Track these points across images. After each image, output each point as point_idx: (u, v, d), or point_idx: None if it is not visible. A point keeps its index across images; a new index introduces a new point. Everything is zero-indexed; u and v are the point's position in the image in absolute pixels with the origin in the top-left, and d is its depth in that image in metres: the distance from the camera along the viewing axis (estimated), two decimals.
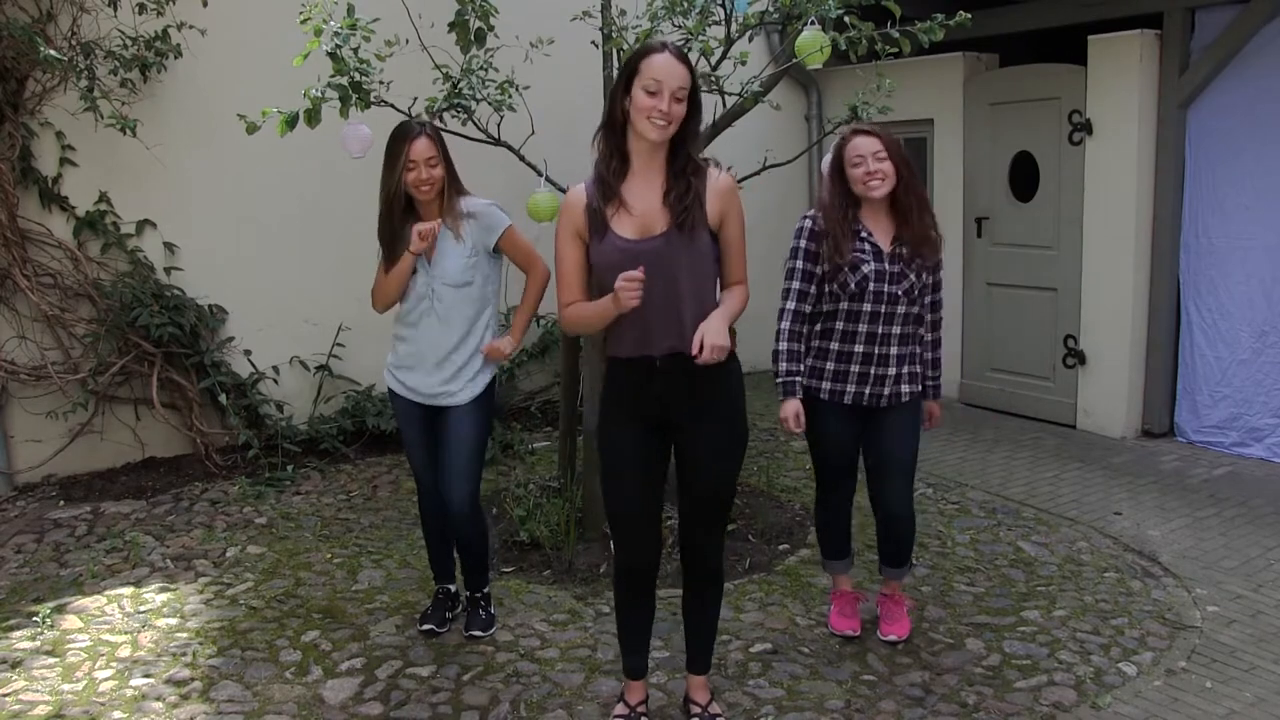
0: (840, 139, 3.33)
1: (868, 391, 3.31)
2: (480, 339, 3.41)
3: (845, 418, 3.36)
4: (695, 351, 2.59)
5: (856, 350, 3.29)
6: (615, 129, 2.68)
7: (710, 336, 2.59)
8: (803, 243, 3.31)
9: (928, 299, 3.39)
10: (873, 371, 3.30)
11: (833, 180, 3.33)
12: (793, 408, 3.34)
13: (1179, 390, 5.73)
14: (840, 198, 3.30)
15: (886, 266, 3.24)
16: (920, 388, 3.41)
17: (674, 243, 2.65)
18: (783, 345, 3.34)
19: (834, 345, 3.32)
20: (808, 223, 3.33)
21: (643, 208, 2.67)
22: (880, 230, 3.29)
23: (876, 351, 3.29)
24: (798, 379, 3.35)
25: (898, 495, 3.43)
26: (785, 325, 3.34)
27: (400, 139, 3.28)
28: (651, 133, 2.60)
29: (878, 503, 3.47)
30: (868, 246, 3.26)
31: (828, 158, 3.40)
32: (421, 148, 3.26)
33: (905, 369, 3.34)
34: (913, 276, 3.26)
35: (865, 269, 3.23)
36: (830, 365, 3.33)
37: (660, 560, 2.95)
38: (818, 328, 3.36)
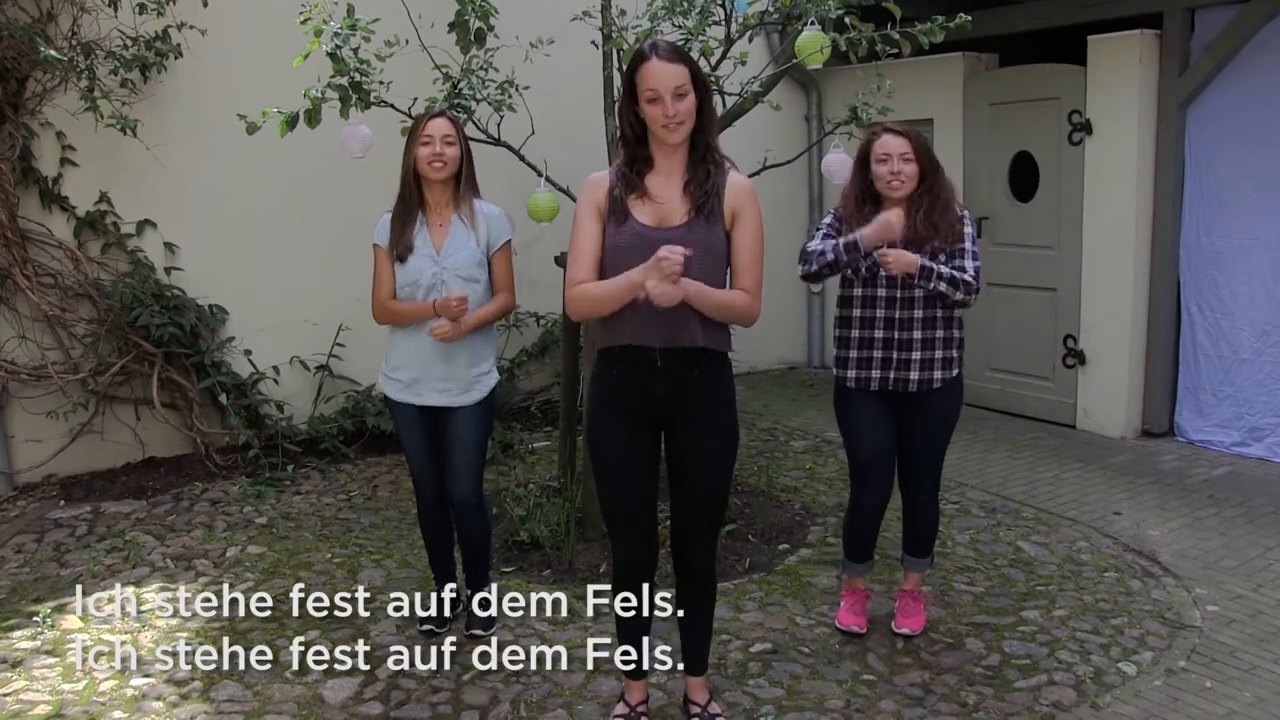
0: (870, 133, 3.36)
1: (893, 376, 3.32)
2: (483, 343, 3.42)
3: (874, 405, 3.38)
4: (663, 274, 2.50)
5: (877, 335, 3.32)
6: (630, 140, 2.72)
7: (681, 283, 2.53)
8: (828, 219, 3.38)
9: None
10: (895, 356, 3.31)
11: (856, 173, 3.39)
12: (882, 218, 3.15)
13: (1181, 389, 5.73)
14: (860, 190, 3.34)
15: None
16: (955, 373, 3.38)
17: (692, 231, 2.65)
18: (815, 245, 3.26)
19: (854, 332, 3.35)
20: (832, 212, 3.41)
21: (664, 198, 2.69)
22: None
23: (897, 336, 3.30)
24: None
25: (920, 484, 3.50)
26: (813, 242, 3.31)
27: (420, 119, 3.32)
28: (670, 137, 2.64)
29: (903, 490, 3.53)
30: None
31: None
32: (439, 124, 3.29)
33: (934, 353, 3.32)
34: (926, 260, 3.24)
35: (876, 253, 3.23)
36: (854, 353, 3.36)
37: (657, 557, 2.95)
38: (839, 314, 3.41)
